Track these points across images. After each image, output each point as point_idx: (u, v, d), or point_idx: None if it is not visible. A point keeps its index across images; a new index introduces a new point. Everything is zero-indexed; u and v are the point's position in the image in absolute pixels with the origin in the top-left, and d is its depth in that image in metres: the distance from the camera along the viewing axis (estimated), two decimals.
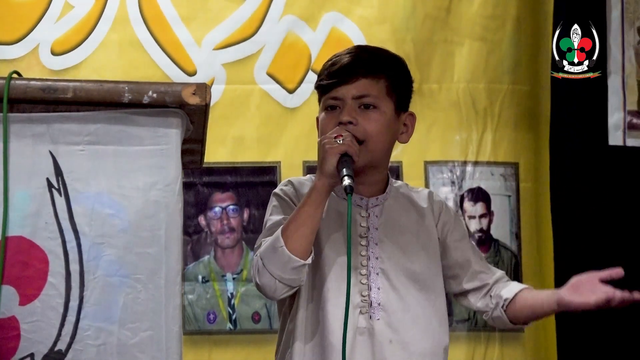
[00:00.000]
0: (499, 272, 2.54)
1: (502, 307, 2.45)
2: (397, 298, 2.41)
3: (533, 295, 2.45)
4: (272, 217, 2.44)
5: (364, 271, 2.41)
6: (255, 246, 2.42)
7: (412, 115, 2.50)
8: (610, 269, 2.36)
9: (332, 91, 2.42)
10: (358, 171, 2.41)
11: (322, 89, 2.46)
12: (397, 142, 2.52)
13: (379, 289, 2.40)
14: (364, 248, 2.42)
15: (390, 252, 2.43)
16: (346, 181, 2.26)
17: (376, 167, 2.46)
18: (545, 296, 2.43)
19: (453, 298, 2.57)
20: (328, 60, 2.49)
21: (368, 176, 2.45)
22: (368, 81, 2.42)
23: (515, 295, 2.45)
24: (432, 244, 2.49)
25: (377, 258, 2.42)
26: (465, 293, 2.52)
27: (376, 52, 2.52)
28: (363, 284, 2.40)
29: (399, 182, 2.56)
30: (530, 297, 2.44)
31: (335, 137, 2.32)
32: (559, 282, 3.94)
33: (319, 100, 2.49)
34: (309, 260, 2.32)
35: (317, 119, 2.49)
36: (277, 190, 2.49)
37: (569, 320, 3.95)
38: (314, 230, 2.33)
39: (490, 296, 2.49)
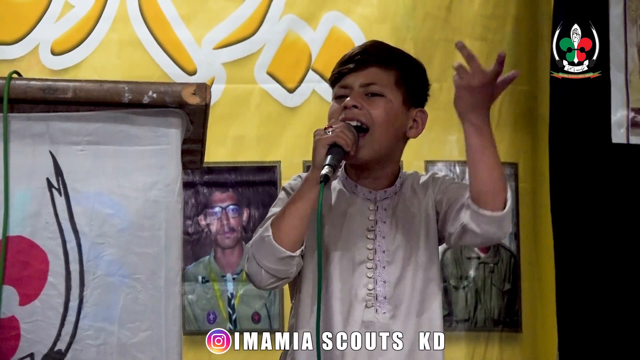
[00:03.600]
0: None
1: (468, 204, 2.31)
2: (403, 292, 2.41)
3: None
4: (273, 208, 2.45)
5: (370, 265, 2.41)
6: (254, 235, 2.42)
7: (424, 112, 2.50)
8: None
9: (342, 80, 2.44)
10: (364, 165, 2.42)
11: (333, 79, 2.47)
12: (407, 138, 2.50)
13: (385, 282, 2.40)
14: (371, 241, 2.42)
15: (398, 245, 2.43)
16: (324, 170, 2.27)
17: (382, 161, 2.45)
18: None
19: (453, 247, 2.48)
20: (341, 57, 2.50)
21: (374, 170, 2.46)
22: (378, 70, 2.42)
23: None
24: (433, 232, 2.47)
25: (384, 252, 2.42)
26: (450, 227, 2.40)
27: (390, 46, 2.53)
28: (369, 277, 2.40)
29: (410, 173, 2.54)
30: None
31: (326, 129, 2.33)
32: (561, 281, 3.95)
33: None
34: (297, 253, 2.32)
35: None
36: (285, 184, 2.50)
37: (571, 321, 3.96)
38: (303, 222, 2.32)
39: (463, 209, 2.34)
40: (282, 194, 2.48)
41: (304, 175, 2.47)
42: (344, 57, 2.47)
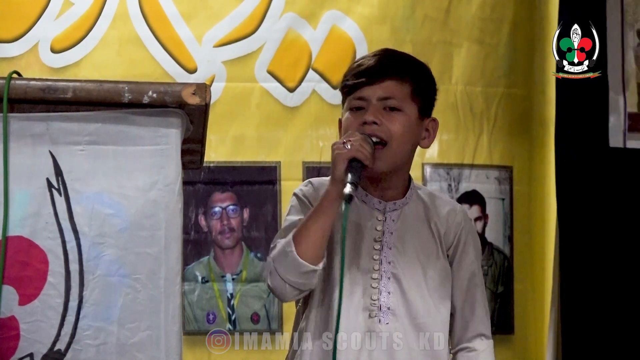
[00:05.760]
0: (477, 330, 2.50)
1: None
2: (406, 303, 2.42)
3: None
4: (289, 217, 2.46)
5: (375, 275, 2.42)
6: (271, 246, 2.43)
7: (435, 121, 2.51)
8: None
9: (358, 91, 2.43)
10: (379, 176, 2.42)
11: (347, 89, 2.46)
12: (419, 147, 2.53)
13: (389, 293, 2.41)
14: (377, 252, 2.43)
15: (404, 257, 2.44)
16: (347, 189, 2.28)
17: (397, 172, 2.46)
18: None
19: None
20: (354, 62, 2.50)
21: (388, 181, 2.46)
22: (394, 83, 2.42)
23: None
24: (442, 256, 2.49)
25: (389, 262, 2.42)
26: None
27: (403, 56, 2.54)
28: (374, 287, 2.41)
29: (423, 188, 2.56)
30: None
31: (344, 143, 2.33)
32: (564, 284, 3.97)
33: (343, 102, 2.50)
34: (320, 266, 2.34)
35: (340, 120, 2.51)
36: (296, 190, 2.51)
37: (575, 323, 3.97)
38: (325, 236, 2.34)
39: (454, 348, 2.49)
40: (294, 201, 2.48)
41: (315, 180, 2.50)
42: (358, 67, 2.46)
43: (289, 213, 2.47)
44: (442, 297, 2.46)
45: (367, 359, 2.38)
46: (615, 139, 4.02)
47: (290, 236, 2.34)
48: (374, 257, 2.43)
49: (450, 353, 2.49)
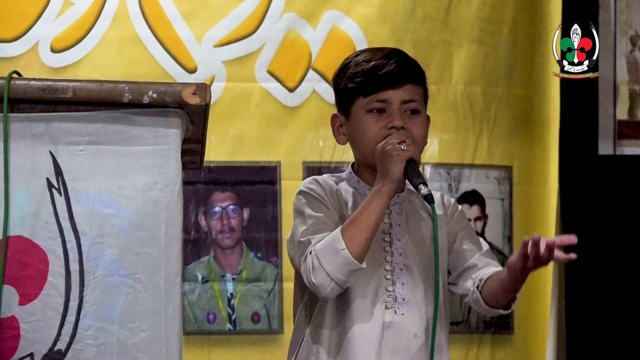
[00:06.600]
0: (490, 260, 2.54)
1: (478, 287, 2.46)
2: (420, 293, 2.45)
3: (503, 273, 2.45)
4: (309, 211, 2.44)
5: (388, 267, 2.45)
6: (301, 239, 2.41)
7: (429, 117, 2.55)
8: (565, 236, 2.37)
9: (379, 94, 2.45)
10: None
11: (365, 90, 2.46)
12: None
13: (403, 284, 2.44)
14: (388, 244, 2.46)
15: (413, 248, 2.47)
16: (423, 190, 2.32)
17: None
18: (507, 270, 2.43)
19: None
20: (361, 63, 2.49)
21: None
22: (413, 86, 2.47)
23: (490, 275, 2.46)
24: (443, 245, 2.51)
25: (400, 254, 2.46)
26: (455, 279, 2.53)
27: (411, 58, 2.55)
28: (387, 279, 2.44)
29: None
30: (501, 274, 2.45)
31: (399, 143, 2.36)
32: (569, 285, 3.97)
33: (343, 100, 2.50)
34: (364, 264, 2.36)
35: (334, 116, 2.53)
36: (303, 188, 2.49)
37: (579, 324, 3.98)
38: (375, 234, 2.37)
39: (472, 279, 2.49)
40: (304, 199, 2.46)
41: (319, 178, 2.50)
42: (374, 69, 2.46)
43: (305, 208, 2.45)
44: (445, 284, 2.50)
45: (387, 350, 2.41)
46: (605, 146, 4.05)
47: (337, 234, 2.34)
48: (385, 249, 2.46)
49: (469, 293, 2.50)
